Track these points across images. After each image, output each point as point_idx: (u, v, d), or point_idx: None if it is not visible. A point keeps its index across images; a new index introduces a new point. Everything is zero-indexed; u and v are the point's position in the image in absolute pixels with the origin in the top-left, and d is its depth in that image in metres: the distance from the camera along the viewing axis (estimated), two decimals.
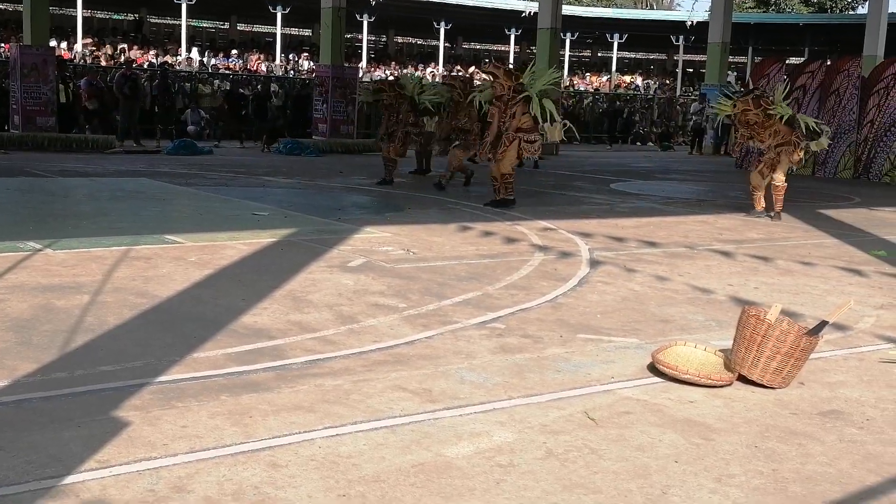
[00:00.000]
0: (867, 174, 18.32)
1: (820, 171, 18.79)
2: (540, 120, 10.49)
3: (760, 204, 11.13)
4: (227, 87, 23.43)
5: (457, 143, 12.73)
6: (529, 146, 10.67)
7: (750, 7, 46.35)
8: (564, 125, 10.88)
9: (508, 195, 10.77)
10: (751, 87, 13.34)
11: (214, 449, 3.26)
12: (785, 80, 14.00)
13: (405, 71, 27.63)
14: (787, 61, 22.06)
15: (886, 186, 17.18)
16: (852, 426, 3.82)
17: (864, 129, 18.30)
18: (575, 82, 35.15)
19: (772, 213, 10.90)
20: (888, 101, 17.97)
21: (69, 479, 2.95)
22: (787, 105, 10.88)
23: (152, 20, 34.05)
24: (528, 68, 11.09)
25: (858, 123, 18.32)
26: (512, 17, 35.20)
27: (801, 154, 10.86)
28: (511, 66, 11.83)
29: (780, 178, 10.84)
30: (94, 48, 26.44)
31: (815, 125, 10.84)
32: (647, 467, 3.29)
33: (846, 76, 18.48)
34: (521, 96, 10.49)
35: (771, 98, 10.81)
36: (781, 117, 10.58)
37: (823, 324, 4.41)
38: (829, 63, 20.02)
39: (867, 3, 27.92)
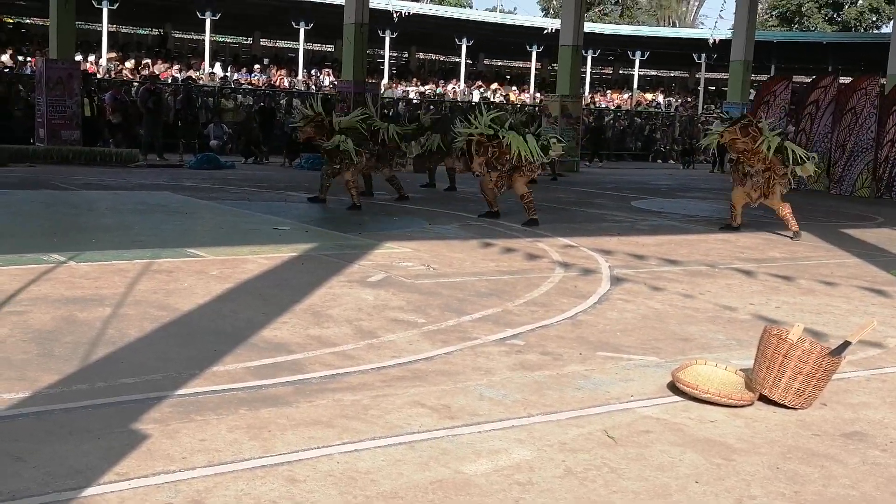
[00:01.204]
0: (889, 193, 18.19)
1: (836, 188, 18.70)
2: (532, 156, 10.50)
3: (738, 221, 11.30)
4: (250, 103, 23.49)
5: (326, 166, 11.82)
6: (528, 168, 10.72)
7: (773, 25, 46.27)
8: (558, 141, 11.06)
9: (532, 216, 10.75)
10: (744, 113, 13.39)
11: (233, 463, 3.27)
12: (790, 107, 14.00)
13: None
14: (793, 79, 21.96)
15: None
16: (876, 448, 3.78)
17: (885, 149, 18.19)
18: (596, 100, 35.14)
19: (791, 234, 10.85)
20: None
21: (88, 492, 2.97)
22: (776, 134, 10.89)
23: (176, 35, 34.34)
24: (487, 115, 10.61)
25: (877, 142, 18.21)
26: (534, 33, 35.25)
27: (784, 189, 10.91)
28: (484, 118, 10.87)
29: (776, 204, 10.89)
30: (118, 62, 26.69)
31: (801, 154, 10.87)
32: (667, 487, 3.26)
33: (864, 94, 18.39)
34: (493, 141, 10.45)
35: (759, 125, 10.85)
36: (769, 147, 10.62)
37: (846, 344, 4.37)
38: (843, 81, 19.96)
39: (891, 22, 27.75)
